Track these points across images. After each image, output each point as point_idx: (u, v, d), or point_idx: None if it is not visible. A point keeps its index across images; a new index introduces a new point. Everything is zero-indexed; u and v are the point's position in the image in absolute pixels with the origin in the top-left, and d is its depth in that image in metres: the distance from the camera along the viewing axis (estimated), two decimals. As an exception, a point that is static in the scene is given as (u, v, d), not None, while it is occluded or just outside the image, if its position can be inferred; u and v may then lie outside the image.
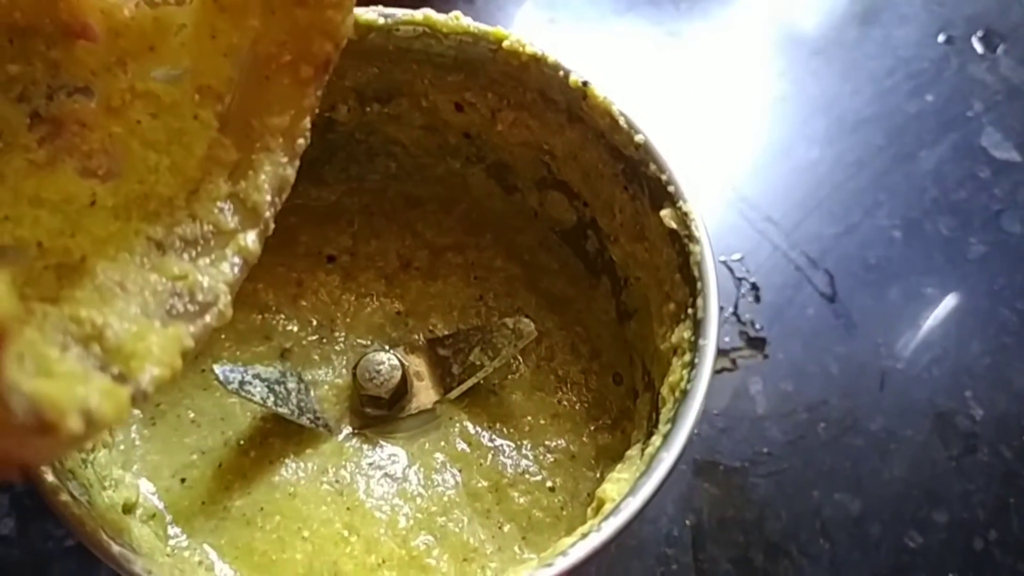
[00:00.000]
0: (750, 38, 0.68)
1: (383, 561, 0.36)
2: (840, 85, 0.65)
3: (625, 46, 0.60)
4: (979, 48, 0.67)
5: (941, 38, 0.68)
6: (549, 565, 0.28)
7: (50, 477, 0.28)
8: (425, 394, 0.40)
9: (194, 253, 0.28)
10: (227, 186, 0.29)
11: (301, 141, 0.30)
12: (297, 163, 0.30)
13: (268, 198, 0.29)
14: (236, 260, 0.28)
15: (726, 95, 0.65)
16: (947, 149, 0.63)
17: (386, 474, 0.38)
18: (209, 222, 0.29)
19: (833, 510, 0.51)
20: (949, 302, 0.58)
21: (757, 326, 0.56)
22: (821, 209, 0.60)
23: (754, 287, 0.57)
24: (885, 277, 0.58)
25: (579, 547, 0.28)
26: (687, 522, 0.50)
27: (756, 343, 0.56)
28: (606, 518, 0.28)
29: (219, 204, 0.29)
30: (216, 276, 0.27)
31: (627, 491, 0.29)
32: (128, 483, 0.35)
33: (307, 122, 0.30)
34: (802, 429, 0.53)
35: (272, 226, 0.29)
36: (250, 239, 0.28)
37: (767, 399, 0.54)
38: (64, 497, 0.28)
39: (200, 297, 0.27)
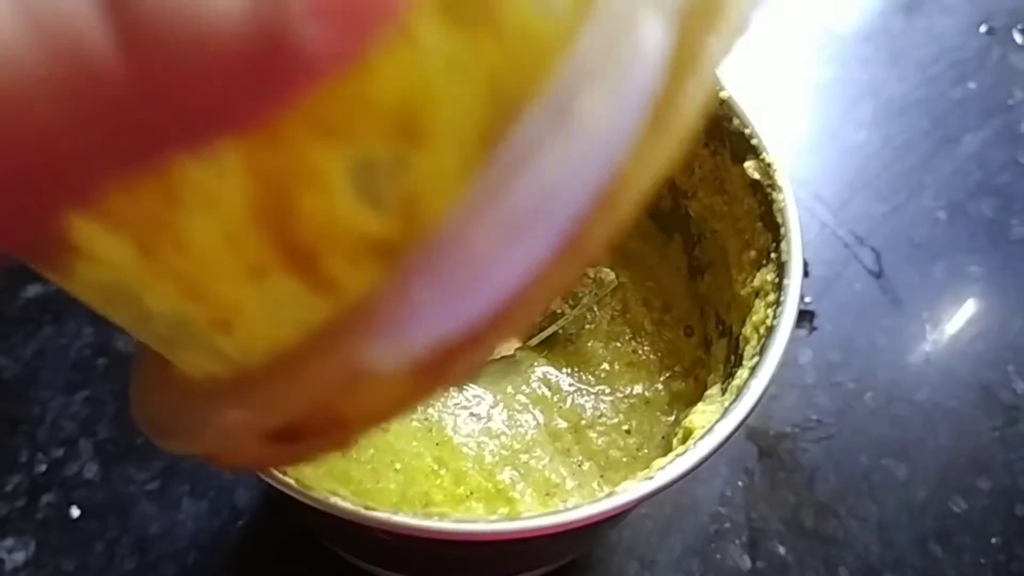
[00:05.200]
0: (799, 25, 0.70)
1: (471, 493, 0.38)
2: (886, 71, 0.67)
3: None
4: (1020, 40, 0.69)
5: (983, 29, 0.70)
6: (650, 478, 0.29)
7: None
8: (506, 342, 0.42)
9: None
10: None
11: None
12: None
13: None
14: None
15: (775, 79, 0.67)
16: (990, 135, 0.65)
17: (472, 413, 0.40)
18: None
19: (881, 475, 0.52)
20: (992, 280, 0.59)
21: (806, 299, 0.58)
22: (868, 189, 0.62)
23: (803, 262, 0.59)
24: (930, 255, 0.60)
25: (678, 463, 0.30)
26: (739, 483, 0.52)
27: (805, 316, 0.57)
28: (701, 438, 0.30)
29: None
30: None
31: (718, 417, 0.31)
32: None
33: None
34: (850, 398, 0.55)
35: None
36: None
37: (816, 369, 0.56)
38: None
39: None
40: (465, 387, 0.41)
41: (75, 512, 0.48)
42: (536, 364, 0.42)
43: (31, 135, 0.11)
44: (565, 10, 0.13)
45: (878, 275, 0.59)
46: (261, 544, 0.48)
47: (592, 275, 0.40)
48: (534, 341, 0.41)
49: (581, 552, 0.47)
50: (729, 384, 0.34)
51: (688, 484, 0.52)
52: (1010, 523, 0.52)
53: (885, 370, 0.56)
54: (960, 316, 0.58)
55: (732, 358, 0.37)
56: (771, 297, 0.34)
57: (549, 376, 0.41)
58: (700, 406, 0.35)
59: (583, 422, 0.40)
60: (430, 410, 0.40)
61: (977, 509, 0.52)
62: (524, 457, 0.39)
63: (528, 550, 0.36)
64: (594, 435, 0.40)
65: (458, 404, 0.40)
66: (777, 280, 0.34)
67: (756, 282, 0.36)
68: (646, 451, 0.40)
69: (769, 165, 0.36)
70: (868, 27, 0.70)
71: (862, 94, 0.66)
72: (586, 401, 0.41)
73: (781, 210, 0.35)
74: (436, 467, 0.38)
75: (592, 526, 0.30)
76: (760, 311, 0.34)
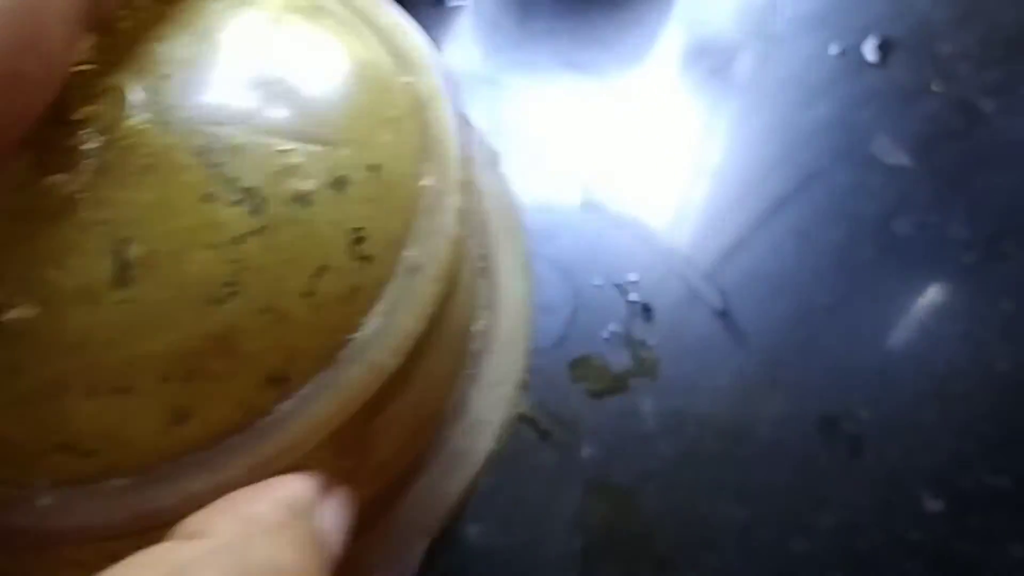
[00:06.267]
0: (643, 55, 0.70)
1: None
2: (734, 102, 0.67)
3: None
4: (871, 57, 0.69)
5: (834, 49, 0.69)
6: None
7: None
8: None
9: None
10: None
11: None
12: None
13: None
14: None
15: (615, 113, 0.67)
16: (839, 159, 0.64)
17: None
18: None
19: (720, 520, 0.52)
20: (838, 310, 0.59)
21: (649, 346, 0.58)
22: (714, 225, 0.62)
23: (646, 308, 0.59)
24: (777, 289, 0.60)
25: None
26: (577, 541, 0.52)
27: (647, 363, 0.58)
28: None
29: None
30: None
31: None
32: None
33: None
34: (691, 443, 0.55)
35: None
36: None
37: (657, 416, 0.56)
38: None
39: None
40: None
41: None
42: None
43: None
44: None
45: (723, 314, 0.59)
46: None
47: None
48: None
49: None
50: None
51: (522, 544, 0.53)
52: (853, 560, 0.52)
53: (727, 411, 0.56)
54: (804, 348, 0.58)
55: None
56: None
57: None
58: None
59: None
60: None
61: (819, 547, 0.52)
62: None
63: None
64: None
65: None
66: None
67: None
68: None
69: None
70: (714, 55, 0.69)
71: (707, 128, 0.66)
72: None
73: None
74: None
75: None
76: None
